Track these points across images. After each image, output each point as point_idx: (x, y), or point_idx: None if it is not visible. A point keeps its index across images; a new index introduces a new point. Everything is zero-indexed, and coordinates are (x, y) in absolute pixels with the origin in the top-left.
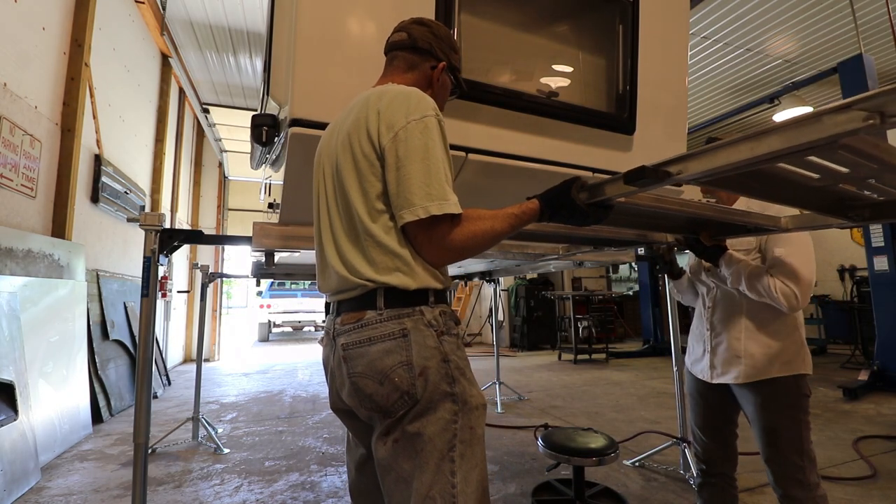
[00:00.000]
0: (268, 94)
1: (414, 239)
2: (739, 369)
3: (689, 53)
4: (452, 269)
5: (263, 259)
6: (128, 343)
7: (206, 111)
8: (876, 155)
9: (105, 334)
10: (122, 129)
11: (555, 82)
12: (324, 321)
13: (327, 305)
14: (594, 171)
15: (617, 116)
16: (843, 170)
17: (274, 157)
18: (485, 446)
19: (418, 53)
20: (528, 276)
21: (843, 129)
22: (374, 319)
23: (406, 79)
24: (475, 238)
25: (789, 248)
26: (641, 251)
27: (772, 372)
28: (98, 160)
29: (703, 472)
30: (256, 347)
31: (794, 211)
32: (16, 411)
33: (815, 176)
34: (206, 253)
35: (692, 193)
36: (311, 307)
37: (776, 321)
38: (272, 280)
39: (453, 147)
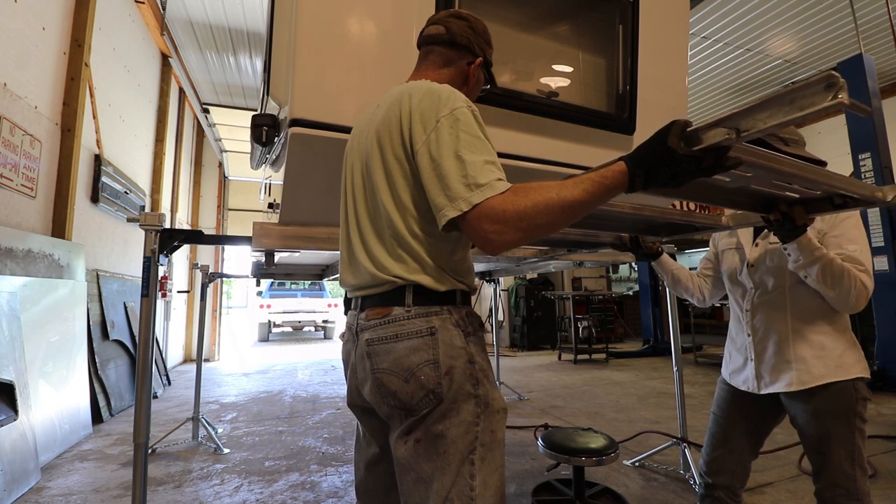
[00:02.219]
0: (268, 94)
1: (468, 233)
2: (791, 375)
3: (689, 53)
4: None
5: (263, 259)
6: (128, 343)
7: (206, 111)
8: (754, 161)
9: (105, 334)
10: (122, 129)
11: (555, 82)
12: (325, 321)
13: (347, 301)
14: None
15: (617, 116)
16: (747, 174)
17: (274, 157)
18: (504, 451)
19: (456, 49)
20: (528, 276)
21: (711, 142)
22: (401, 316)
23: (441, 75)
24: (536, 209)
25: (860, 244)
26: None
27: (827, 377)
28: (98, 160)
29: (707, 485)
30: (256, 347)
31: None
32: (16, 411)
33: (727, 179)
34: (206, 253)
35: None
36: (311, 307)
37: (824, 321)
38: (272, 280)
39: None
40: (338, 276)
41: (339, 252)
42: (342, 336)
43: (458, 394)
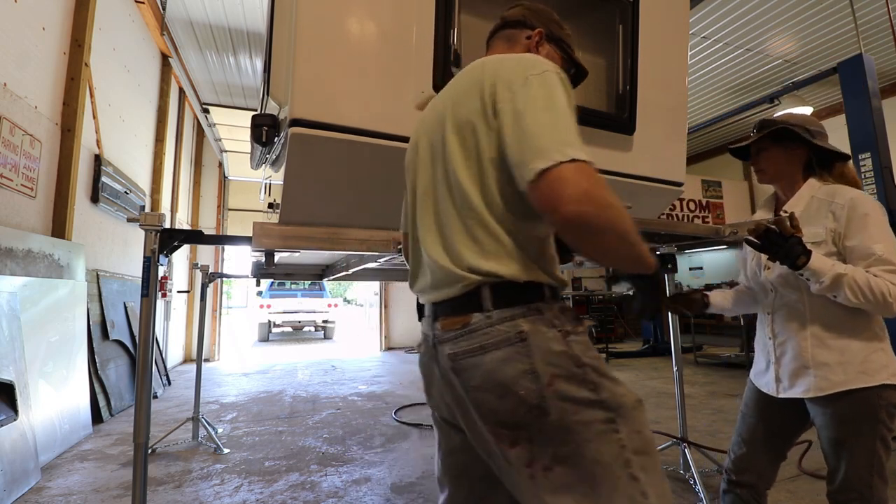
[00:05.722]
0: (268, 94)
1: (547, 191)
2: (809, 381)
3: (689, 53)
4: None
5: (263, 259)
6: (128, 343)
7: (206, 111)
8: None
9: (105, 334)
10: (122, 129)
11: None
12: (325, 321)
13: (420, 307)
14: None
15: (617, 116)
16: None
17: (274, 157)
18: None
19: (511, 26)
20: None
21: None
22: (482, 324)
23: (509, 52)
24: (616, 211)
25: (884, 240)
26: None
27: (848, 383)
28: (98, 160)
29: (730, 482)
30: (256, 347)
31: None
32: (16, 411)
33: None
34: (206, 253)
35: (692, 189)
36: (311, 307)
37: (847, 324)
38: (272, 280)
39: None
40: (334, 276)
41: (343, 253)
42: (418, 347)
43: (577, 405)
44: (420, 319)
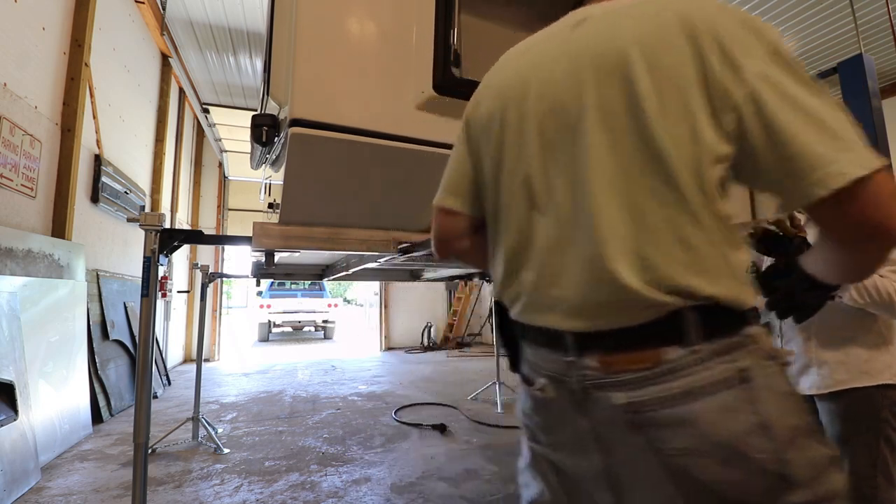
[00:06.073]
0: (268, 94)
1: (875, 203)
2: (813, 379)
3: None
4: (452, 268)
5: (263, 259)
6: (128, 343)
7: (206, 111)
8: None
9: (105, 334)
10: (122, 129)
11: None
12: (325, 321)
13: (510, 324)
14: None
15: None
16: None
17: (274, 157)
18: None
19: None
20: None
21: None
22: (683, 361)
23: None
24: None
25: None
26: None
27: (849, 382)
28: (98, 160)
29: None
30: (256, 347)
31: None
32: (16, 411)
33: None
34: (206, 253)
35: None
36: (311, 307)
37: (852, 324)
38: (272, 280)
39: (450, 147)
40: (334, 276)
41: (343, 253)
42: (542, 389)
43: (823, 468)
44: (505, 335)
